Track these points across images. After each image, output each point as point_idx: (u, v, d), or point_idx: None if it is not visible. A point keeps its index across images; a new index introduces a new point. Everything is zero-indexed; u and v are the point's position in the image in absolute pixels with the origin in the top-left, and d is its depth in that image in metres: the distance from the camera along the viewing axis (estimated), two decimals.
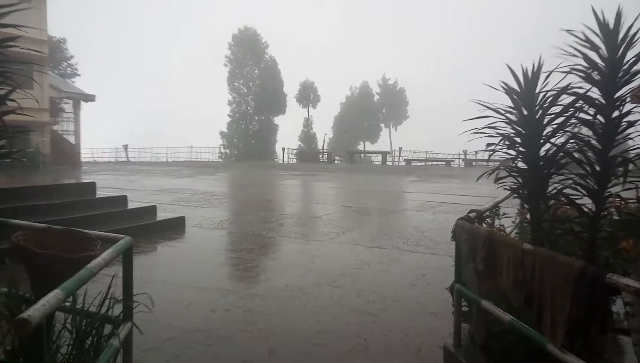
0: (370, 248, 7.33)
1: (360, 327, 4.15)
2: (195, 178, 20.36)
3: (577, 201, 3.08)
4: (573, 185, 3.08)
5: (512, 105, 3.12)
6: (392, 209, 12.04)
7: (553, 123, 3.08)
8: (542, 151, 3.10)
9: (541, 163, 3.08)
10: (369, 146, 59.75)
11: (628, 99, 2.91)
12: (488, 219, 3.94)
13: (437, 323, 4.21)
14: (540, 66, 3.02)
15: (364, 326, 4.16)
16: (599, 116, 2.96)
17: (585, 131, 3.19)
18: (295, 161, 42.17)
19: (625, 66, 2.85)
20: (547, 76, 3.02)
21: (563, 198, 3.14)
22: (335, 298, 4.87)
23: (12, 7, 2.75)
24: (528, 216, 3.43)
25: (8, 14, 2.76)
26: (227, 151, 50.10)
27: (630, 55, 2.84)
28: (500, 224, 4.04)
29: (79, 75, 40.87)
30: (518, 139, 3.14)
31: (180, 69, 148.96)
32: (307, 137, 55.30)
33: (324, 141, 52.44)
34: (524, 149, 3.13)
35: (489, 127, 3.18)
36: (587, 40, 2.91)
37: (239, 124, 50.58)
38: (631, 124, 2.93)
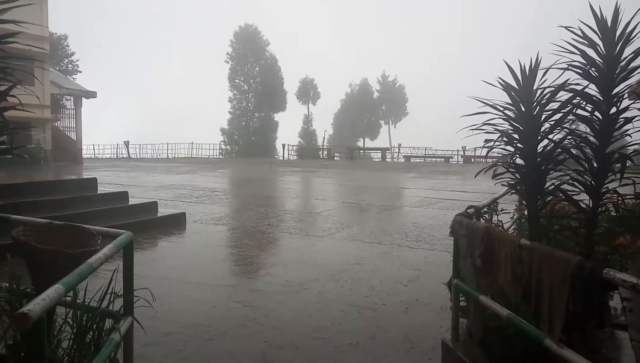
0: (370, 243, 7.35)
1: (359, 321, 4.17)
2: (195, 174, 20.37)
3: (575, 197, 3.10)
4: (570, 181, 3.09)
5: (510, 102, 3.13)
6: (391, 205, 12.05)
7: (551, 120, 3.09)
8: (539, 148, 3.12)
9: (539, 159, 3.10)
10: (368, 143, 59.71)
11: (625, 96, 2.92)
12: (486, 215, 3.96)
13: (435, 318, 4.23)
14: (537, 63, 3.03)
15: (363, 321, 4.19)
16: (596, 113, 2.97)
17: (582, 127, 3.21)
18: (295, 157, 42.18)
19: (623, 63, 2.86)
20: (545, 73, 3.03)
21: (561, 194, 3.16)
22: (335, 293, 4.90)
23: (13, 3, 2.76)
24: (526, 212, 3.44)
25: (9, 9, 2.77)
26: (228, 147, 50.07)
27: (628, 52, 2.86)
28: (498, 220, 4.06)
29: (80, 72, 40.91)
30: (516, 136, 3.16)
31: (181, 65, 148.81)
32: (307, 133, 55.26)
33: (323, 138, 52.47)
34: (521, 146, 3.14)
35: (487, 124, 3.19)
36: (585, 37, 2.92)
37: (239, 120, 50.55)
38: (628, 120, 2.94)
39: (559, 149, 3.12)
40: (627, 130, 3.03)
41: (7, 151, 2.95)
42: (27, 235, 2.38)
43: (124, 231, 2.67)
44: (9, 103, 2.83)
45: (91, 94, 24.51)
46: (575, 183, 3.07)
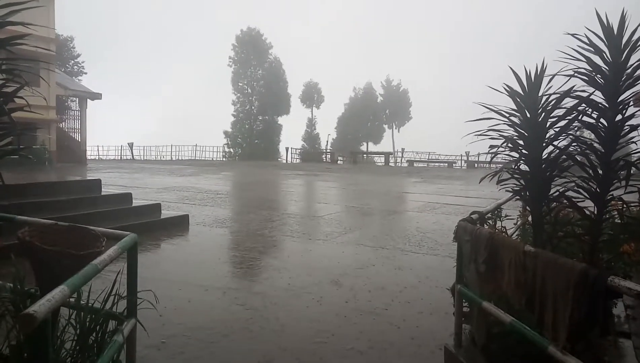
0: (373, 248, 7.34)
1: (362, 326, 4.16)
2: (199, 176, 20.41)
3: (579, 204, 3.09)
4: (575, 188, 3.09)
5: (515, 107, 3.13)
6: (394, 209, 12.04)
7: (556, 126, 3.09)
8: (544, 154, 3.11)
9: (544, 165, 3.09)
10: (372, 147, 59.72)
11: (631, 103, 2.92)
12: (490, 221, 3.95)
13: (438, 324, 4.22)
14: (543, 69, 3.03)
15: (365, 325, 4.18)
16: (601, 120, 2.97)
17: (587, 134, 3.20)
18: (298, 161, 42.21)
19: (629, 70, 2.86)
20: (551, 79, 3.03)
21: (565, 201, 3.15)
22: (337, 298, 4.89)
23: (21, 6, 2.78)
24: (530, 218, 3.44)
25: (17, 12, 2.79)
26: (231, 150, 50.23)
27: (634, 59, 2.85)
28: (502, 226, 4.05)
29: (85, 73, 41.20)
30: (521, 142, 3.15)
31: (185, 68, 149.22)
32: (311, 137, 55.32)
33: (327, 142, 52.56)
34: (526, 152, 3.14)
35: (492, 130, 3.19)
36: (591, 43, 2.92)
37: (243, 124, 50.69)
38: (634, 127, 2.93)
39: (564, 156, 3.11)
40: (633, 137, 3.03)
41: (14, 151, 2.97)
42: (32, 236, 2.39)
43: (128, 233, 2.68)
44: (17, 104, 2.85)
45: (96, 96, 24.61)
46: (580, 190, 3.07)
